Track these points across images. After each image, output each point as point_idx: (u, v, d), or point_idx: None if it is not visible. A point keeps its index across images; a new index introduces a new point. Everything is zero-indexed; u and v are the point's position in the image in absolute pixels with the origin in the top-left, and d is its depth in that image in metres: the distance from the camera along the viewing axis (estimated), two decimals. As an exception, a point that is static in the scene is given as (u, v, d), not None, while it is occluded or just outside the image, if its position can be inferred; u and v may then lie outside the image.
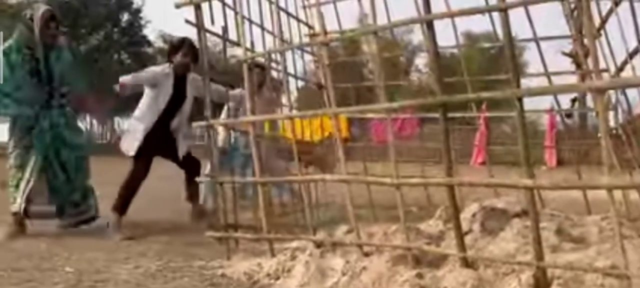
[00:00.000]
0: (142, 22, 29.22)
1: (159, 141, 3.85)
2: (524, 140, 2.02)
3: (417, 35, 23.44)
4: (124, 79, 3.83)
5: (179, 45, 3.85)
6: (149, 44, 30.25)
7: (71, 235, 3.65)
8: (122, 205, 3.74)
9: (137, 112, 3.99)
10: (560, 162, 12.27)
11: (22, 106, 3.55)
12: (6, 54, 3.51)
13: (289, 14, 3.87)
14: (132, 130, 3.92)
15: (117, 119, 32.10)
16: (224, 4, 3.16)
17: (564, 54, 17.42)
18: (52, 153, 3.63)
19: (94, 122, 31.44)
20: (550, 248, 2.35)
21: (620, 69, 3.31)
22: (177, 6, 3.01)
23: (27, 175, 3.55)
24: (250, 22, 3.29)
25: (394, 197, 2.36)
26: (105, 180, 4.43)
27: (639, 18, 3.24)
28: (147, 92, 3.93)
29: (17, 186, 3.56)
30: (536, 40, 3.78)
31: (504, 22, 1.99)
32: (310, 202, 3.52)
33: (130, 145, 3.81)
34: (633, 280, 1.88)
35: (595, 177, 2.59)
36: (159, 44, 32.71)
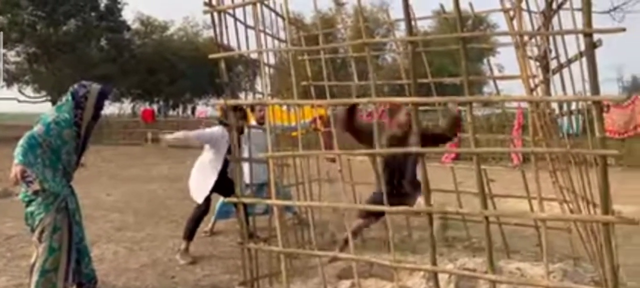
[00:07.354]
0: (120, 5, 28.96)
1: (218, 185, 4.76)
2: (488, 244, 2.40)
3: (394, 13, 22.86)
4: (177, 135, 4.66)
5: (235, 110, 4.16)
6: (128, 28, 30.05)
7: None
8: (190, 234, 4.74)
9: (200, 169, 4.81)
10: (526, 159, 12.83)
11: (55, 182, 3.34)
12: (61, 126, 3.38)
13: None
14: (202, 184, 4.77)
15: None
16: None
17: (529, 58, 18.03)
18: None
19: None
20: None
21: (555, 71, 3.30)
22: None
23: (64, 257, 3.33)
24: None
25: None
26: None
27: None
28: (207, 150, 4.82)
29: (56, 270, 3.29)
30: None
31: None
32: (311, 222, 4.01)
33: (199, 195, 4.75)
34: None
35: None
36: (136, 25, 32.42)
